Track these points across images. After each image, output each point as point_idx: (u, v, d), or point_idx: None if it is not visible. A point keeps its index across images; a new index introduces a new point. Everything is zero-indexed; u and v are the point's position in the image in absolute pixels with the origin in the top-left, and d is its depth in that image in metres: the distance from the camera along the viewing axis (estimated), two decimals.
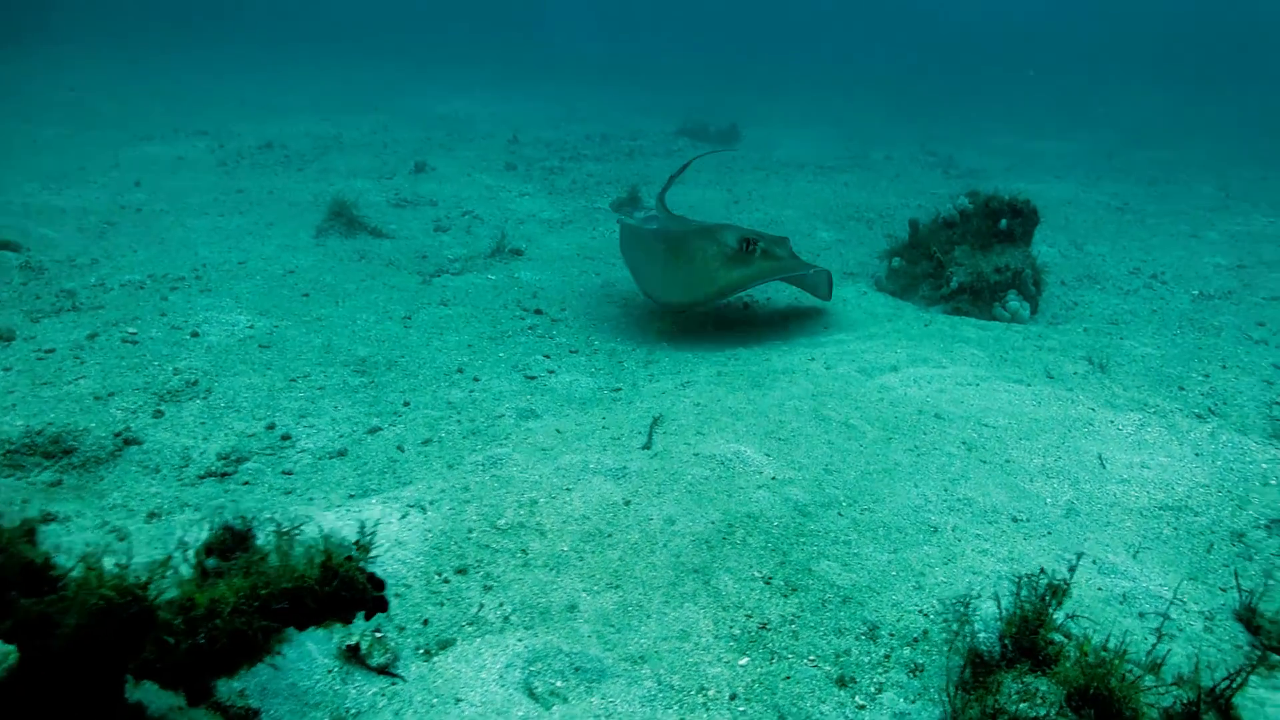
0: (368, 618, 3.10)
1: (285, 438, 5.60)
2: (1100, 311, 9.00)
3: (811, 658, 3.64)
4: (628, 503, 4.56)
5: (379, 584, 3.11)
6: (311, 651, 3.53)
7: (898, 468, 5.22)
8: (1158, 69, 39.36)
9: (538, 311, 8.10)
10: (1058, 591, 3.51)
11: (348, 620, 3.03)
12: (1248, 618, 4.23)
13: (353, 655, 3.56)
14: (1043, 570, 3.82)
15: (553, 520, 4.40)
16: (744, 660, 3.59)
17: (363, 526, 3.06)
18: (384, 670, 3.52)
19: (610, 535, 4.29)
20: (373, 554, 3.89)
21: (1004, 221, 8.96)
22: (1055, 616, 3.59)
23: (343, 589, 2.97)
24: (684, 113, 21.52)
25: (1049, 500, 5.12)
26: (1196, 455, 5.83)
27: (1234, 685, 3.33)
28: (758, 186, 14.29)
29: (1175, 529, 4.99)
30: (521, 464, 5.01)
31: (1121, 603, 4.23)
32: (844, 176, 15.58)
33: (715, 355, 7.08)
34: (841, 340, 7.36)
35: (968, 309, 8.70)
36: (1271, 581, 4.47)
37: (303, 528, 3.32)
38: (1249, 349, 8.04)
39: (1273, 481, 5.58)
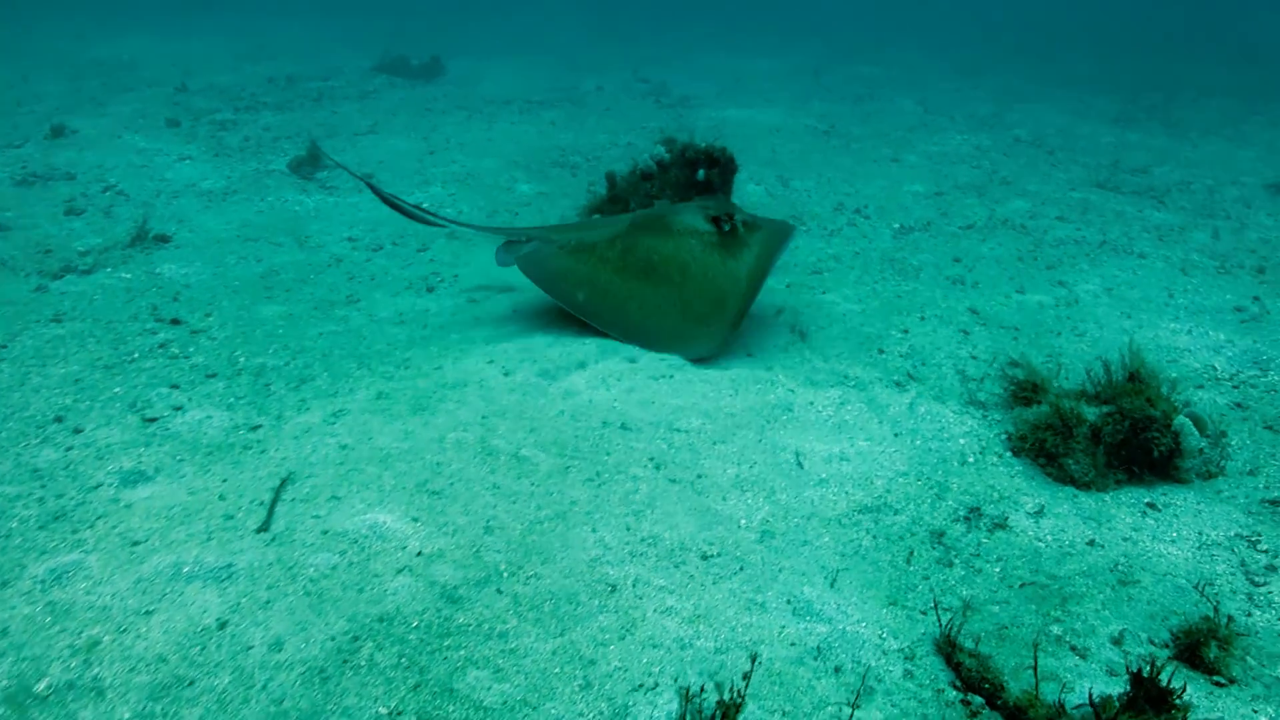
0: None
1: None
2: (805, 259, 8.66)
3: None
4: (224, 625, 3.60)
5: None
6: None
7: (574, 508, 4.52)
8: None
9: (175, 321, 6.81)
10: (729, 711, 2.90)
11: None
12: (948, 652, 3.84)
13: None
14: (702, 689, 3.22)
15: (117, 669, 3.39)
16: None
17: None
18: None
19: (193, 682, 3.34)
20: None
21: (701, 172, 8.42)
22: None
23: None
24: (385, 43, 19.84)
25: (743, 522, 4.58)
26: (896, 436, 5.49)
27: None
28: (457, 131, 13.16)
29: (875, 537, 4.58)
30: (96, 575, 3.93)
31: (816, 658, 3.73)
32: (551, 113, 14.68)
33: (383, 364, 6.12)
34: (526, 332, 6.56)
35: None
36: (971, 608, 4.11)
37: None
38: (946, 292, 7.92)
39: (970, 459, 5.32)
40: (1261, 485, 5.21)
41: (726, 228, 6.29)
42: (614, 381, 5.78)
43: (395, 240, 8.73)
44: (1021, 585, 4.24)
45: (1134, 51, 25.10)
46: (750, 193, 10.68)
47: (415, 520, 4.28)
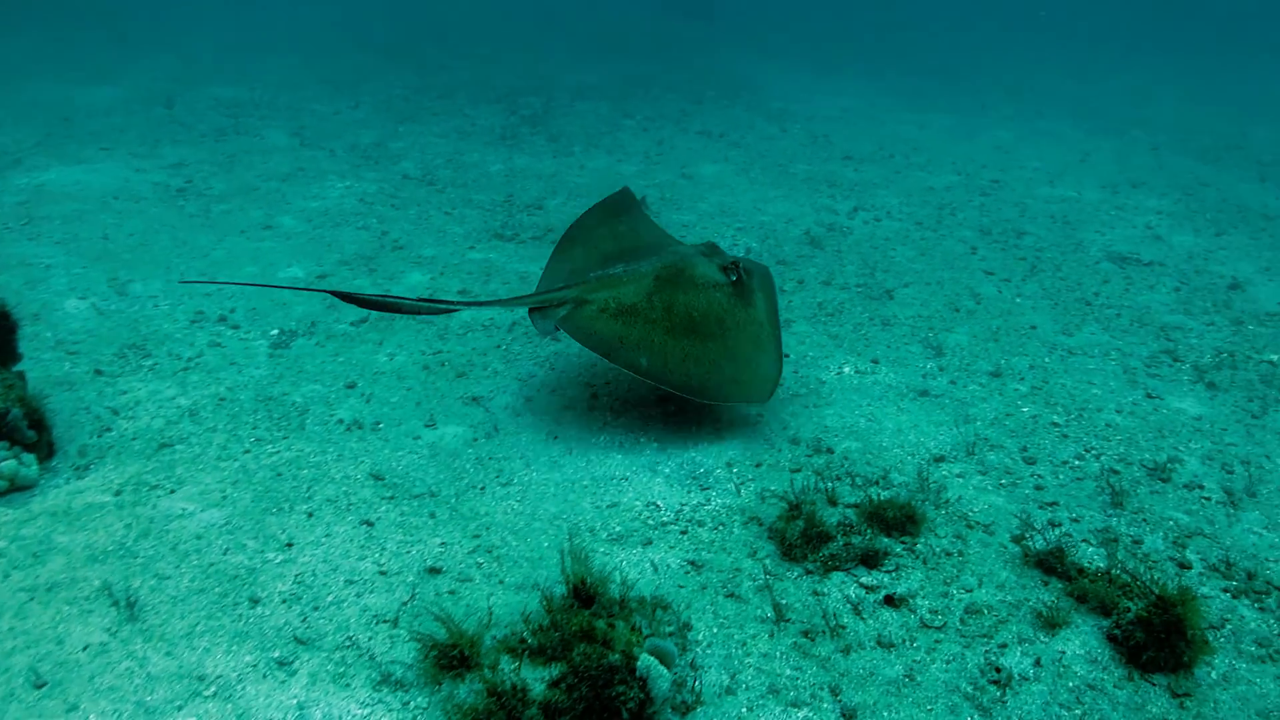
0: None
1: None
2: (153, 421, 6.41)
3: None
4: None
5: None
6: None
7: None
8: None
9: None
10: None
11: None
12: None
13: None
14: None
15: None
16: None
17: None
18: None
19: None
20: None
21: None
22: None
23: None
24: None
25: None
26: None
27: None
28: None
29: None
30: None
31: None
32: None
33: None
34: None
35: None
36: None
37: None
38: (341, 447, 6.22)
39: None
40: (744, 707, 4.26)
41: (734, 277, 6.56)
42: None
43: None
44: None
45: (505, 49, 25.25)
46: (72, 312, 8.04)
47: None
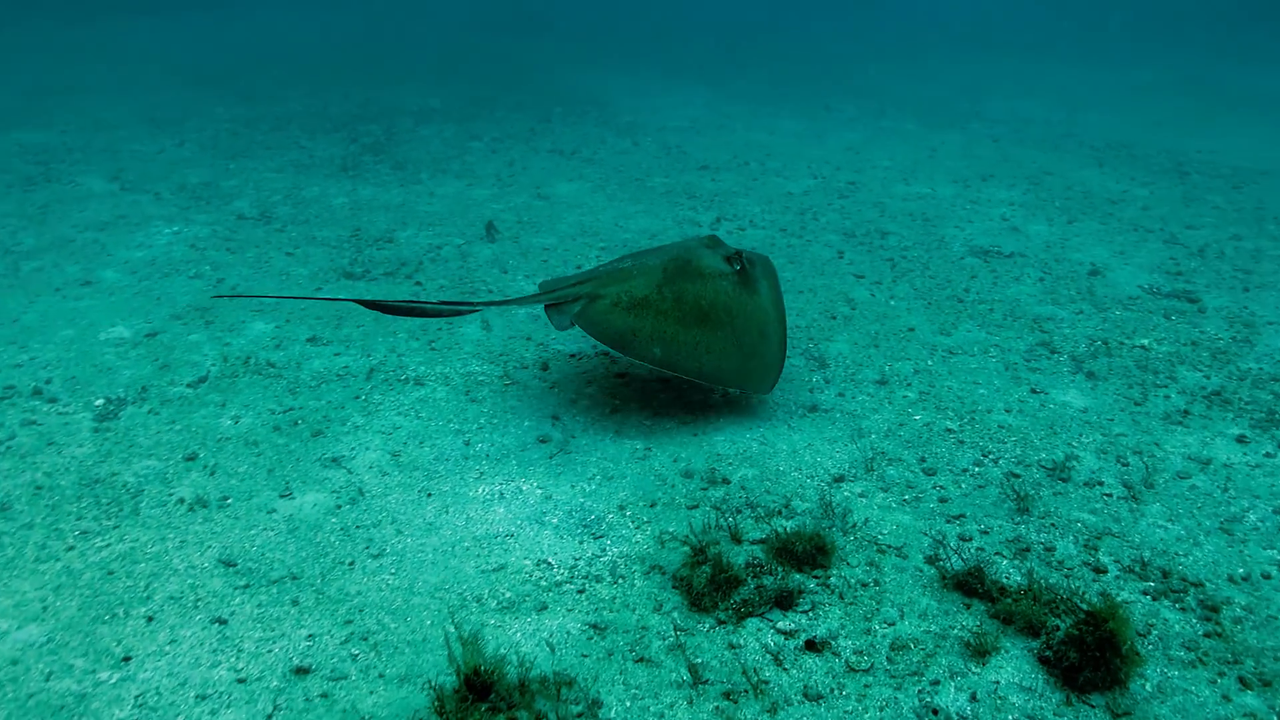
0: None
1: None
2: None
3: None
4: None
5: None
6: None
7: None
8: None
9: None
10: None
11: None
12: None
13: None
14: None
15: None
16: None
17: None
18: None
19: None
20: None
21: None
22: None
23: None
24: None
25: None
26: None
27: None
28: None
29: None
30: None
31: None
32: None
33: None
34: None
35: None
36: None
37: None
38: (183, 532, 5.47)
39: None
40: None
41: (737, 267, 6.67)
42: None
43: None
44: None
45: (337, 77, 24.25)
46: None
47: None
